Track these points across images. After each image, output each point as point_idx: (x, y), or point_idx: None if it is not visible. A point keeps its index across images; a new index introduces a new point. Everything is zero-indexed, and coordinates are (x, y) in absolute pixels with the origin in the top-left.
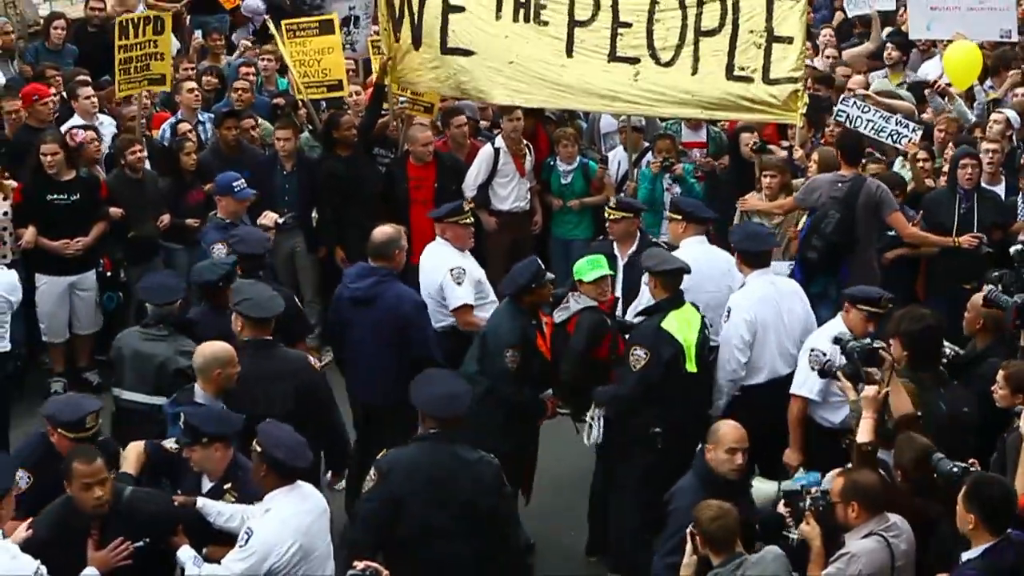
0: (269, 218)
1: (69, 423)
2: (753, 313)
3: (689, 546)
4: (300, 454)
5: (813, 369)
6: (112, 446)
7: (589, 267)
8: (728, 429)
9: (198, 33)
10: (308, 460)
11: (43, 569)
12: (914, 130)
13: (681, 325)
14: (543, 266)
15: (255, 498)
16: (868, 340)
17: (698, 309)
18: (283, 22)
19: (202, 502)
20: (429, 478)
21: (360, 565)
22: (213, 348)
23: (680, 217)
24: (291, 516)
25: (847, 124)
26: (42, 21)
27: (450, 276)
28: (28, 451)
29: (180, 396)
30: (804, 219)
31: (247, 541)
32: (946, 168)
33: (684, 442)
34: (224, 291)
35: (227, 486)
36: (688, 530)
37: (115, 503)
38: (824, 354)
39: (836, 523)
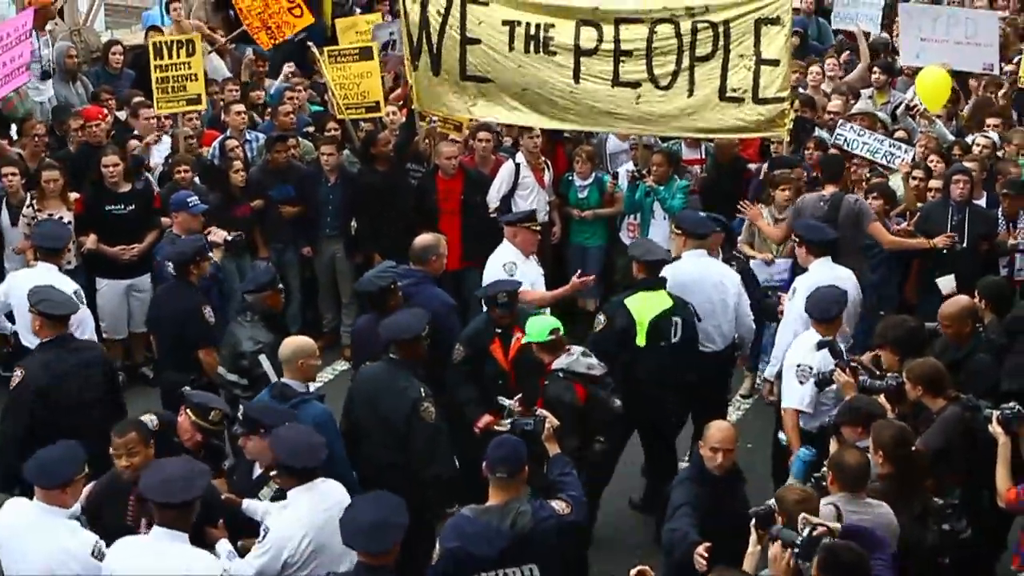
0: (218, 235)
1: (197, 406)
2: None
3: (753, 536)
4: (308, 455)
5: (801, 383)
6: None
7: (532, 327)
8: (714, 431)
9: (249, 50)
10: (318, 459)
11: (101, 543)
12: (906, 151)
13: (643, 304)
14: (499, 296)
15: None
16: (828, 369)
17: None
18: (325, 48)
19: (247, 503)
20: (365, 390)
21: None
22: (297, 341)
23: (680, 232)
24: (306, 513)
25: (845, 147)
26: (102, 47)
27: (502, 270)
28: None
29: (276, 388)
30: None
31: (264, 537)
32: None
33: (637, 410)
34: (390, 297)
35: (272, 473)
36: (752, 523)
37: None
38: (810, 368)
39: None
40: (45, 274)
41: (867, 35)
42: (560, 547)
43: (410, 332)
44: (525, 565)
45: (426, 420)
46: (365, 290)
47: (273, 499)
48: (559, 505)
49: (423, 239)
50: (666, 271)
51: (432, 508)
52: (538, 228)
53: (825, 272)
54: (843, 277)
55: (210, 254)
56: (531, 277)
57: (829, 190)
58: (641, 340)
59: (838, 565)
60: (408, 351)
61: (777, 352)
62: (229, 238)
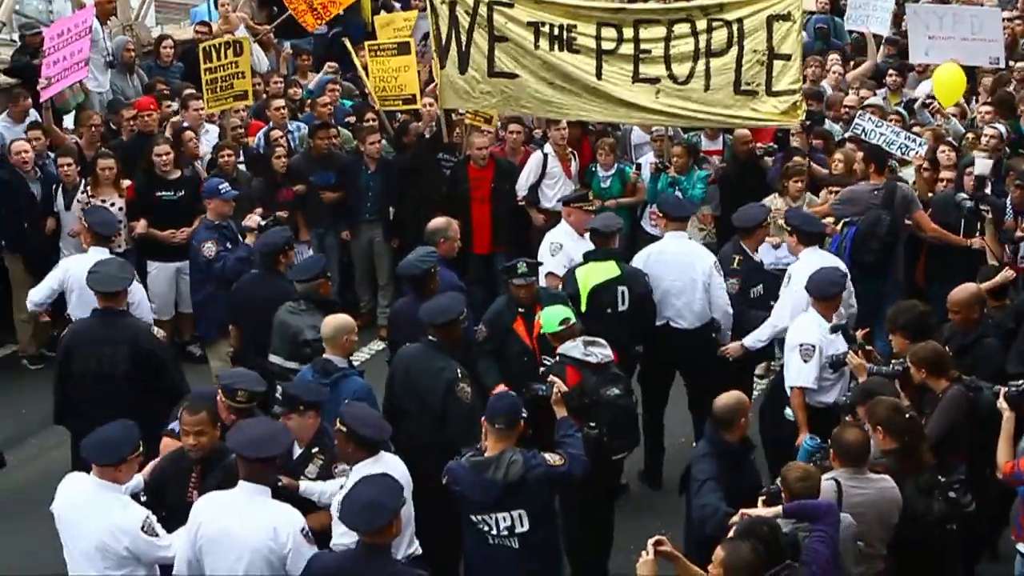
0: (252, 220)
1: (224, 388)
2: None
3: (761, 505)
4: (382, 427)
5: (805, 362)
6: None
7: (545, 319)
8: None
9: (287, 45)
10: (388, 432)
11: (152, 518)
12: (921, 144)
13: (589, 273)
14: (519, 265)
15: (338, 459)
16: (841, 352)
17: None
18: (367, 43)
19: (304, 486)
20: (404, 371)
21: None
22: (338, 319)
23: (660, 214)
24: None
25: (862, 137)
26: (154, 42)
27: (547, 248)
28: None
29: (318, 363)
30: (840, 227)
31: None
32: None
33: None
34: (430, 281)
35: (315, 450)
36: (761, 500)
37: (221, 458)
38: (812, 346)
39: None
40: (98, 258)
41: (879, 37)
42: (552, 496)
43: (447, 316)
44: (515, 511)
45: (462, 400)
46: (408, 273)
47: (318, 476)
48: (552, 457)
49: (434, 222)
50: (647, 250)
51: None
52: (591, 208)
53: (816, 260)
54: (834, 266)
55: (245, 238)
56: (577, 257)
57: (878, 180)
58: (582, 307)
59: (753, 537)
60: (445, 334)
61: (763, 328)
62: (263, 223)
